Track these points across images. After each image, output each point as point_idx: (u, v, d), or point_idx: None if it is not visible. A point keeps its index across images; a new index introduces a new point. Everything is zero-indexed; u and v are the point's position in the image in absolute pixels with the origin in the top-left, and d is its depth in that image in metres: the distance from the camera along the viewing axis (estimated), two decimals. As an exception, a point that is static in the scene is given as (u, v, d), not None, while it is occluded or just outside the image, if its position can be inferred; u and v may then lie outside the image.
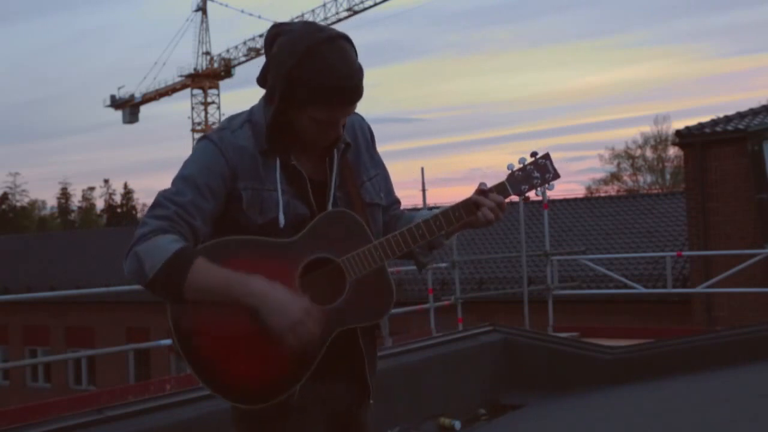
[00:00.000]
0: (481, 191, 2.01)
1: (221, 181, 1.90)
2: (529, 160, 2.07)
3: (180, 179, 1.90)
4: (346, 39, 1.89)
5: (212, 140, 1.94)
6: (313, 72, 1.82)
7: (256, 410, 1.92)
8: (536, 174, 2.06)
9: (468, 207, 2.00)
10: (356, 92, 1.88)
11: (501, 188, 2.04)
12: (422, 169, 8.61)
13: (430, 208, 2.50)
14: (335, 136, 1.94)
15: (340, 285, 1.90)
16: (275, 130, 1.93)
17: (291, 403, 1.91)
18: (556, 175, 2.07)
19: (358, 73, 1.87)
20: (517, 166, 2.06)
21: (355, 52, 1.90)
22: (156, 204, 1.88)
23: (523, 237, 9.49)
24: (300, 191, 1.95)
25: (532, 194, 2.08)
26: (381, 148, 2.18)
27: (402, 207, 2.22)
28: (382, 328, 2.10)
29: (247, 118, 1.98)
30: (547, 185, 2.08)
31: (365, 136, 2.12)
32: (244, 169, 1.91)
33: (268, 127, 1.93)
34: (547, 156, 2.08)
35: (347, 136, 2.04)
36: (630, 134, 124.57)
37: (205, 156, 1.92)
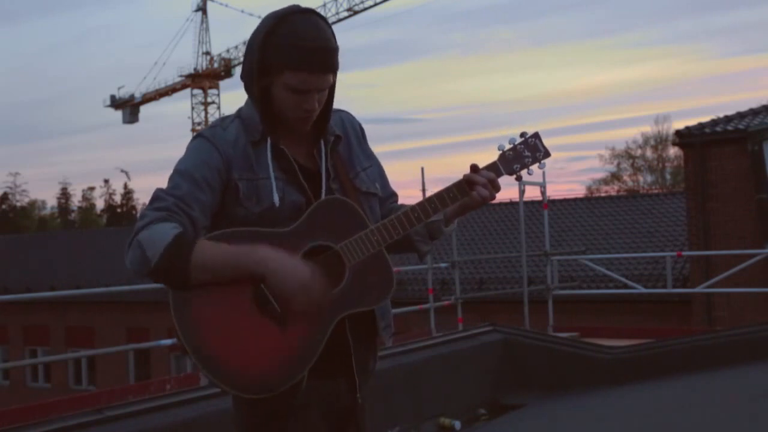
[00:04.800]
0: (474, 170, 2.03)
1: (216, 174, 1.93)
2: (519, 140, 2.08)
3: (176, 174, 1.94)
4: (319, 15, 1.94)
5: (204, 136, 1.98)
6: (285, 35, 1.88)
7: (259, 409, 1.92)
8: (527, 153, 2.08)
9: (461, 187, 2.02)
10: (327, 56, 1.91)
11: (493, 168, 2.06)
12: (422, 169, 8.58)
13: None
14: (310, 108, 1.94)
15: (339, 272, 1.91)
16: (263, 111, 1.96)
17: (294, 401, 1.91)
18: (547, 154, 2.09)
19: (331, 42, 1.91)
20: (507, 146, 2.08)
21: (332, 31, 1.94)
22: (154, 198, 1.91)
23: (523, 237, 9.48)
24: (293, 178, 1.97)
25: (524, 174, 2.09)
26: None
27: (400, 202, 2.23)
28: (379, 322, 2.07)
29: (236, 115, 2.03)
30: (538, 164, 2.09)
31: (356, 131, 2.15)
32: (237, 160, 1.95)
33: (258, 105, 1.96)
34: (536, 135, 2.09)
35: (337, 129, 2.07)
36: (630, 134, 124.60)
37: (198, 151, 1.96)
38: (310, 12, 1.94)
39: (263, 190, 1.94)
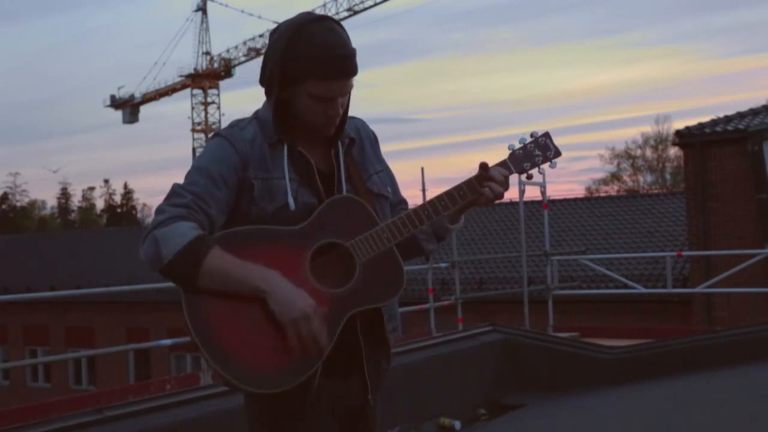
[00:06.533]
0: (484, 168, 2.03)
1: (233, 172, 1.95)
2: (529, 139, 2.09)
3: (194, 171, 1.95)
4: (335, 21, 1.96)
5: (222, 135, 2.00)
6: (306, 46, 1.89)
7: (269, 406, 1.94)
8: (537, 152, 2.08)
9: (471, 186, 2.03)
10: (350, 62, 1.92)
11: (503, 166, 2.07)
12: (422, 169, 8.57)
13: None
14: (335, 114, 1.97)
15: (350, 269, 1.92)
16: (279, 118, 1.98)
17: (305, 400, 1.92)
18: (558, 153, 2.10)
19: (350, 47, 1.93)
20: (517, 146, 2.08)
21: (347, 34, 1.95)
22: (172, 194, 1.92)
23: (523, 237, 9.48)
24: (308, 179, 1.98)
25: (535, 173, 2.10)
26: (381, 148, 2.21)
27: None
28: (386, 323, 2.09)
29: (253, 116, 2.05)
30: (549, 163, 2.09)
31: (369, 136, 2.17)
32: (253, 160, 1.96)
33: (273, 113, 1.98)
34: (546, 135, 2.10)
35: (351, 132, 2.09)
36: (630, 134, 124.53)
37: (216, 149, 1.98)
38: (326, 19, 1.95)
39: (277, 189, 1.95)
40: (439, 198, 2.01)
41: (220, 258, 1.83)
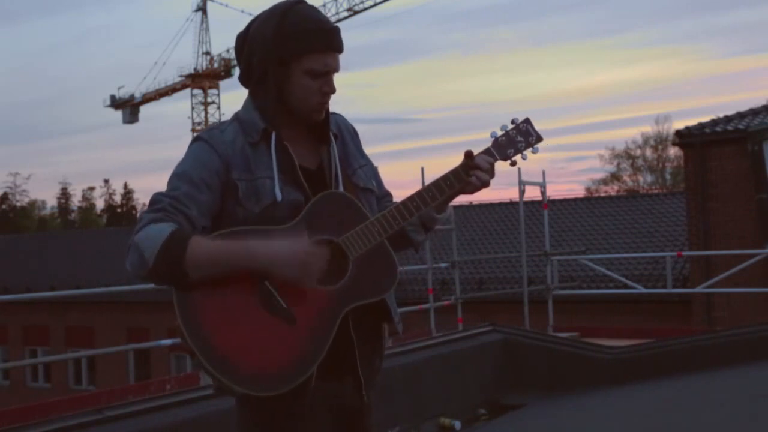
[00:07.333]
0: (469, 157, 2.04)
1: (215, 175, 1.94)
2: (511, 126, 2.12)
3: (174, 177, 1.95)
4: (311, 6, 2.02)
5: (202, 139, 1.99)
6: (295, 24, 1.94)
7: (265, 409, 1.92)
8: (520, 138, 2.11)
9: (458, 175, 2.04)
10: (339, 35, 1.99)
11: (487, 154, 2.08)
12: (422, 169, 8.56)
13: None
14: (330, 91, 1.99)
15: (343, 265, 1.92)
16: (272, 108, 1.98)
17: (301, 401, 1.90)
18: (539, 138, 2.12)
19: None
20: (499, 132, 2.11)
21: None
22: (151, 202, 1.92)
23: (523, 237, 9.48)
24: (292, 177, 1.97)
25: (519, 159, 2.12)
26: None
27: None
28: (394, 316, 2.09)
29: (234, 118, 2.05)
30: (531, 148, 2.12)
31: (349, 130, 2.18)
32: (235, 161, 1.96)
33: (269, 100, 1.97)
34: (527, 121, 2.13)
35: (332, 128, 2.10)
36: (630, 134, 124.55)
37: (197, 153, 1.97)
38: (303, 2, 2.00)
39: (262, 189, 1.94)
40: (427, 189, 2.02)
41: (204, 245, 1.81)
